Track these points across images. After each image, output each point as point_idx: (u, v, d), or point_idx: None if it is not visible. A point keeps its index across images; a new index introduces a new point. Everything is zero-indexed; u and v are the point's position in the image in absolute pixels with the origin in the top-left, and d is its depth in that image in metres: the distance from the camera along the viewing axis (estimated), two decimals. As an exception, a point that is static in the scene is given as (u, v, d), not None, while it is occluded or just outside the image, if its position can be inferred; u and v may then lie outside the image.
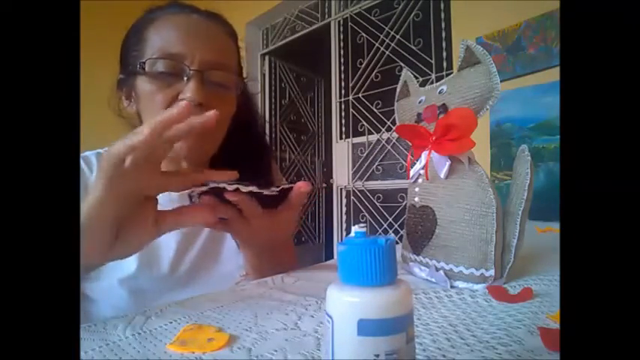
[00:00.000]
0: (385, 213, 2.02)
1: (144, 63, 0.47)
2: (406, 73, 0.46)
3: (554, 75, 1.31)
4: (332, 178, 2.27)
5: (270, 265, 0.49)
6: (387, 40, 1.98)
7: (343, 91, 2.19)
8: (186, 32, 0.49)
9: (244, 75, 0.60)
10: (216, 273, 0.55)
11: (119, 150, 0.30)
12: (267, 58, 2.67)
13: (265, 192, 0.37)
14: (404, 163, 1.90)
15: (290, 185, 0.39)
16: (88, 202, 0.32)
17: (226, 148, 0.56)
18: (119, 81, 0.54)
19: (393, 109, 0.47)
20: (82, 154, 0.56)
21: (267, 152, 0.65)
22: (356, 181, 2.13)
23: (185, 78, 0.47)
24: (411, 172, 0.43)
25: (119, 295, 0.48)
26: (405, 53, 1.91)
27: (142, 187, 0.33)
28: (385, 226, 2.01)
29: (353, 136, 2.15)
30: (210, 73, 0.49)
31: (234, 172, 0.36)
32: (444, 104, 0.38)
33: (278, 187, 0.38)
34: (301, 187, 0.39)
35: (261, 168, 0.61)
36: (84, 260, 0.32)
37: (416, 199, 0.42)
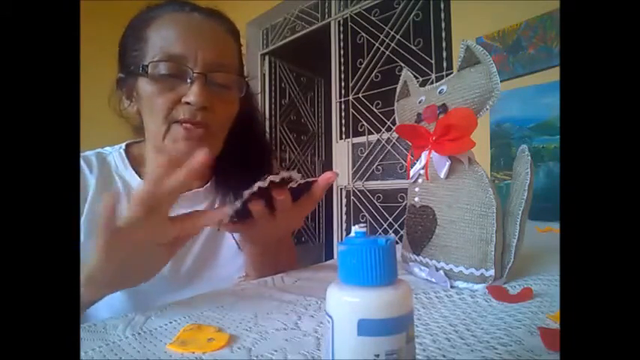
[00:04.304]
0: (385, 213, 2.02)
1: (146, 66, 0.47)
2: (406, 73, 0.46)
3: (554, 75, 1.31)
4: (332, 178, 2.27)
5: (272, 262, 0.49)
6: (387, 40, 1.98)
7: (343, 91, 2.19)
8: (187, 32, 0.48)
9: (246, 74, 0.59)
10: (216, 274, 0.55)
11: (103, 215, 0.30)
12: (267, 58, 2.67)
13: (301, 181, 0.37)
14: (404, 163, 1.90)
15: (314, 179, 0.39)
16: (87, 267, 0.32)
17: (228, 148, 0.56)
18: (118, 80, 0.54)
19: (393, 109, 0.47)
20: (82, 154, 0.55)
21: (268, 151, 0.64)
22: (356, 181, 2.13)
23: (188, 81, 0.47)
24: (411, 172, 0.42)
25: (117, 296, 0.48)
26: (405, 53, 1.90)
27: (151, 237, 0.33)
28: (385, 226, 2.01)
29: (353, 136, 2.15)
30: (212, 74, 0.48)
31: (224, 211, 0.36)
32: (444, 104, 0.38)
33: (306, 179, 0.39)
34: (330, 177, 0.40)
35: (263, 167, 0.61)
36: (86, 298, 0.34)
37: (416, 199, 0.42)
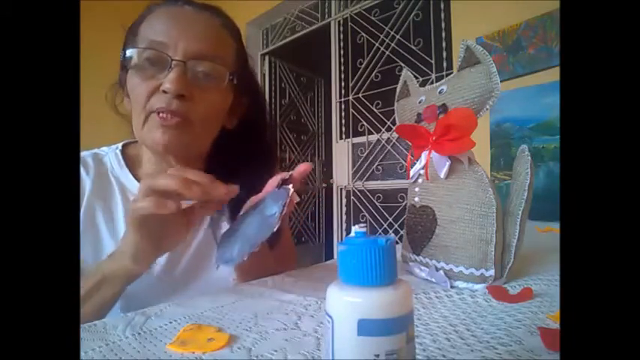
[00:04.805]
0: (385, 213, 2.02)
1: (126, 55, 0.47)
2: (406, 73, 0.46)
3: (554, 75, 1.31)
4: (332, 178, 2.27)
5: (260, 265, 0.49)
6: (387, 40, 1.98)
7: (343, 91, 2.19)
8: (173, 22, 0.47)
9: (252, 72, 0.58)
10: (211, 276, 0.54)
11: (137, 210, 0.36)
12: (267, 58, 2.67)
13: (286, 176, 0.41)
14: (404, 163, 1.90)
15: (290, 173, 0.41)
16: (126, 249, 0.39)
17: (226, 146, 0.55)
18: (119, 78, 0.54)
19: (393, 109, 0.47)
20: None
21: (270, 152, 0.62)
22: (356, 181, 2.13)
23: (168, 69, 0.46)
24: (411, 172, 0.42)
25: None
26: (405, 53, 1.90)
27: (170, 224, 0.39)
28: (385, 226, 2.01)
29: (353, 136, 2.15)
30: (195, 63, 0.47)
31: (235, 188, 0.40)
32: (444, 104, 0.38)
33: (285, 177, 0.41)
34: (305, 170, 0.41)
35: (263, 168, 0.59)
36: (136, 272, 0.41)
37: (416, 199, 0.42)
